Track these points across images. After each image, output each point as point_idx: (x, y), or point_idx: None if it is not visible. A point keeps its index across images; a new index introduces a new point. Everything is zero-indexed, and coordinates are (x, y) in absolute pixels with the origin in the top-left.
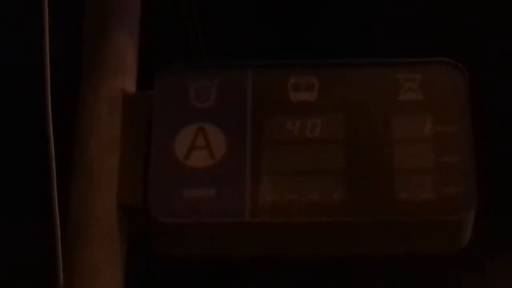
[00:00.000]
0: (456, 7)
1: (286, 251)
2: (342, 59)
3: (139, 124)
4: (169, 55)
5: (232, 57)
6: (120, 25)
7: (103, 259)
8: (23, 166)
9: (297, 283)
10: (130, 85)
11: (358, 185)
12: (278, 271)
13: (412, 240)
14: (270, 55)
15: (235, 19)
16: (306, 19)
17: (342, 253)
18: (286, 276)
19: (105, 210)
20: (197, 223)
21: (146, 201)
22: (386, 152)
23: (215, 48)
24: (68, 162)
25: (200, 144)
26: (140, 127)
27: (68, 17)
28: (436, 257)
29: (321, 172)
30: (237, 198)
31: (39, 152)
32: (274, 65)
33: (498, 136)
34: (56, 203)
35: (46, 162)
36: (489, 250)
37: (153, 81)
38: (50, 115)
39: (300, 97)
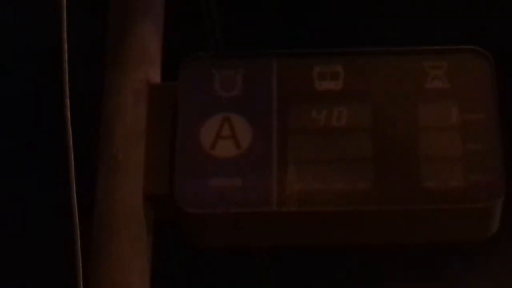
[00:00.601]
0: None
1: (313, 241)
2: (367, 48)
3: (165, 114)
4: (189, 47)
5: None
6: (144, 16)
7: (129, 250)
8: (42, 160)
9: (313, 272)
10: (155, 76)
11: (385, 174)
12: (295, 261)
13: (440, 228)
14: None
15: (256, 11)
16: (317, 12)
17: (369, 242)
18: (302, 266)
19: (131, 201)
20: (224, 213)
21: (172, 191)
22: (413, 140)
23: (233, 40)
24: (90, 157)
25: (226, 134)
26: (166, 118)
27: (92, 8)
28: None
29: (348, 160)
30: (264, 187)
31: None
32: (298, 54)
33: None
34: (75, 198)
35: (65, 158)
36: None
37: (177, 72)
38: (68, 105)
39: (325, 86)
